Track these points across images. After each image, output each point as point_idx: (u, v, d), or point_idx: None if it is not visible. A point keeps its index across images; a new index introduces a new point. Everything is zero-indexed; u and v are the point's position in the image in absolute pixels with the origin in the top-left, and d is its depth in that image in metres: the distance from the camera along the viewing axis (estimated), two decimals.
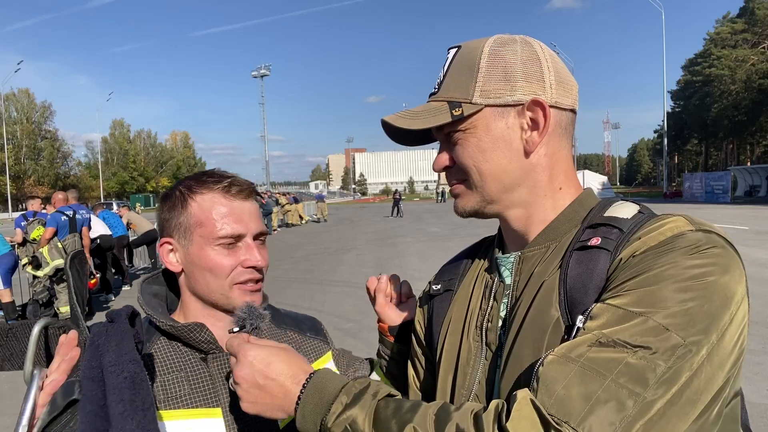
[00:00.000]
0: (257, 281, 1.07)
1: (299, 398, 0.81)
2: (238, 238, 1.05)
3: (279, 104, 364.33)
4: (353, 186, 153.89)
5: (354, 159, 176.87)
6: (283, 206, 25.76)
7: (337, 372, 1.17)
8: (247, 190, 1.09)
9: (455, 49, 0.91)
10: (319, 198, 33.27)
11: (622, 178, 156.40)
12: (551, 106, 0.86)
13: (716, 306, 0.68)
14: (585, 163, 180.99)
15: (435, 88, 0.92)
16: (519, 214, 0.91)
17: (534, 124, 0.86)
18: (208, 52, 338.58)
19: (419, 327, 1.12)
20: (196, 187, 1.06)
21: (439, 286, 1.07)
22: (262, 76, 76.51)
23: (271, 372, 0.84)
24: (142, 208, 47.90)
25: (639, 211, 0.84)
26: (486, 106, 0.86)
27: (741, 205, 28.92)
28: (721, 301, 0.68)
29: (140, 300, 1.09)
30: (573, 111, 0.91)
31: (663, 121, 51.43)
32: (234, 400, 0.99)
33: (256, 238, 1.08)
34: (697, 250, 0.71)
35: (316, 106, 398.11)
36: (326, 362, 1.25)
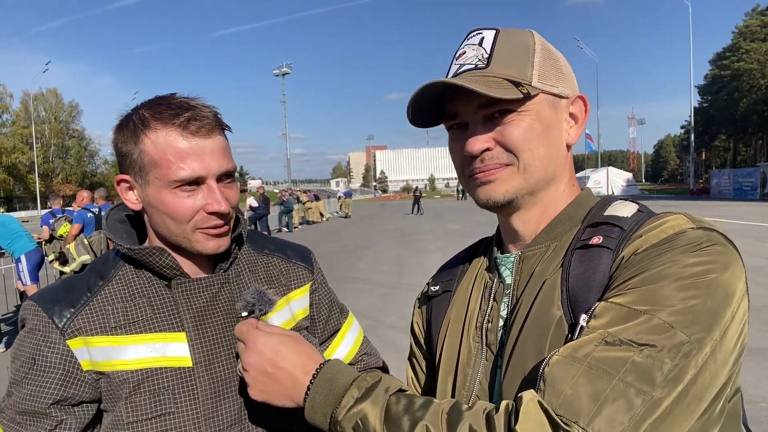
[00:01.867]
0: (222, 225, 0.99)
1: (308, 389, 0.81)
2: (198, 180, 0.95)
3: (300, 102, 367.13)
4: (374, 183, 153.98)
5: (375, 156, 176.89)
6: (304, 203, 25.92)
7: (308, 307, 1.19)
8: (208, 126, 0.95)
9: (493, 31, 0.87)
10: (347, 194, 34.30)
11: (647, 175, 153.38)
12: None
13: (718, 303, 0.68)
14: (609, 159, 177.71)
15: (478, 64, 0.85)
16: (536, 212, 0.90)
17: (574, 120, 0.89)
18: (230, 51, 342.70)
19: (417, 328, 1.12)
20: (152, 121, 0.94)
21: (437, 288, 1.06)
22: (283, 75, 76.88)
23: (280, 360, 0.84)
24: None
25: (638, 210, 0.84)
26: (542, 92, 0.85)
27: None
28: (723, 299, 0.69)
29: (104, 225, 1.06)
30: None
31: (690, 116, 50.34)
32: (199, 325, 1.01)
33: (219, 179, 0.98)
34: (698, 248, 0.72)
35: (337, 103, 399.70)
36: (302, 295, 1.19)
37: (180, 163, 0.93)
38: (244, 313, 0.96)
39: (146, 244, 1.08)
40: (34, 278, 7.43)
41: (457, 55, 0.89)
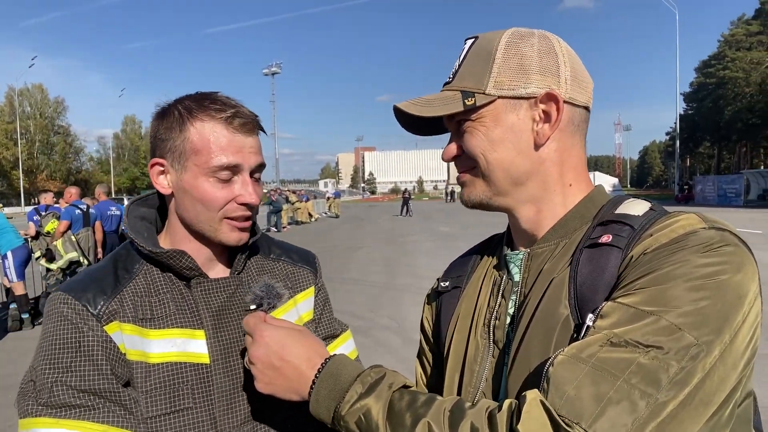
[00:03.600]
0: (248, 218, 1.05)
1: (314, 383, 0.82)
2: (235, 169, 1.01)
3: (290, 102, 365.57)
4: (362, 185, 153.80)
5: (364, 158, 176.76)
6: (293, 203, 25.85)
7: (313, 312, 1.21)
8: (251, 124, 1.03)
9: (472, 40, 0.91)
10: (336, 195, 34.87)
11: (633, 180, 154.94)
12: (565, 102, 0.85)
13: (729, 305, 0.66)
14: (596, 164, 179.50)
15: (450, 78, 0.91)
16: (529, 210, 0.90)
17: (546, 117, 0.86)
18: (220, 50, 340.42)
19: (427, 324, 1.12)
20: (197, 112, 1.00)
21: (447, 283, 1.06)
22: (273, 74, 76.55)
23: (286, 354, 0.85)
24: None
25: (650, 209, 0.83)
26: (499, 97, 0.85)
27: (754, 209, 28.53)
28: (734, 301, 0.67)
29: (125, 223, 1.08)
30: (587, 109, 0.90)
31: (675, 123, 50.96)
32: (217, 323, 1.03)
33: (252, 174, 1.04)
34: (709, 248, 0.70)
35: (327, 104, 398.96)
36: (307, 297, 1.22)
37: (220, 153, 0.99)
38: (253, 306, 0.97)
39: (164, 234, 1.11)
40: (20, 275, 7.34)
41: None
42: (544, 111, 0.85)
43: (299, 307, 1.19)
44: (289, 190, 31.10)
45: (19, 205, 57.63)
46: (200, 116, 1.00)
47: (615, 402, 0.62)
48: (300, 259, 1.26)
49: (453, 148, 0.92)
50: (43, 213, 7.96)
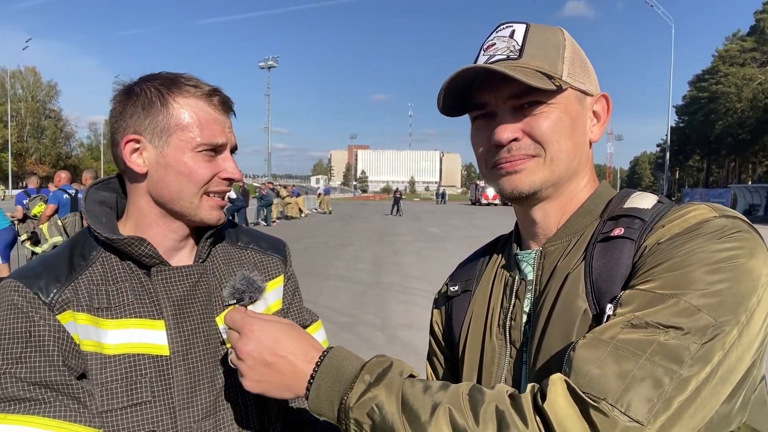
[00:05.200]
0: (224, 195, 1.06)
1: (312, 377, 0.78)
2: (221, 147, 1.02)
3: (285, 97, 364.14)
4: (354, 183, 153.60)
5: (356, 156, 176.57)
6: (283, 198, 25.78)
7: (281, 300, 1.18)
8: (228, 103, 1.05)
9: (523, 25, 0.88)
10: (326, 192, 35.02)
11: None
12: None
13: (745, 288, 0.68)
14: None
15: (510, 55, 0.86)
16: (562, 204, 0.91)
17: (597, 117, 0.91)
18: (215, 40, 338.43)
19: (437, 328, 1.11)
20: (176, 88, 1.00)
21: (456, 288, 1.05)
22: (269, 68, 76.10)
23: (280, 349, 0.80)
24: None
25: (659, 201, 0.85)
26: (571, 87, 0.86)
27: None
28: (750, 284, 0.69)
29: (81, 207, 1.05)
30: None
31: (666, 135, 51.38)
32: (178, 314, 0.99)
33: (232, 151, 1.06)
34: (723, 235, 0.72)
35: (322, 100, 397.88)
36: (276, 286, 1.19)
37: (207, 129, 0.99)
38: (232, 301, 0.92)
39: (124, 219, 1.07)
40: (5, 257, 7.28)
41: (486, 46, 0.90)
42: (595, 111, 0.90)
43: (267, 297, 1.15)
44: (280, 185, 31.06)
45: (7, 188, 56.92)
46: (181, 92, 0.99)
47: (639, 378, 0.63)
48: (269, 247, 1.23)
49: (513, 129, 0.85)
50: (33, 195, 7.90)
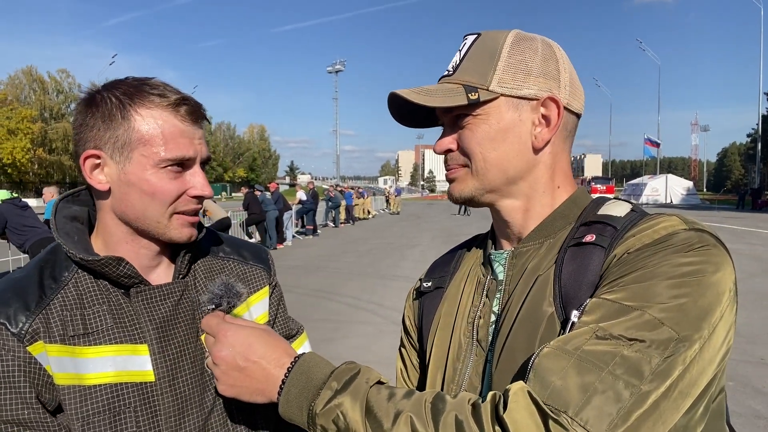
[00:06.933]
0: (196, 213, 0.97)
1: (283, 382, 0.79)
2: (188, 162, 0.93)
3: (352, 99, 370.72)
4: (422, 182, 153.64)
5: (423, 156, 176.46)
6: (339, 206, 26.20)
7: (268, 312, 1.14)
8: (198, 112, 0.94)
9: (474, 36, 0.91)
10: (398, 193, 36.48)
11: (709, 184, 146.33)
12: (563, 107, 0.87)
13: (708, 302, 0.69)
14: (669, 166, 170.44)
15: (449, 71, 0.91)
16: (516, 205, 0.91)
17: (545, 121, 0.87)
18: (287, 48, 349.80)
19: (409, 322, 1.12)
20: (139, 98, 0.90)
21: (429, 284, 1.06)
22: (336, 72, 77.58)
23: (252, 354, 0.82)
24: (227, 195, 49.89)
25: (632, 210, 0.85)
26: (502, 95, 0.86)
27: None
28: (713, 298, 0.70)
29: (52, 225, 0.95)
30: (578, 116, 0.92)
31: (758, 124, 47.71)
32: (162, 336, 0.94)
33: (203, 164, 0.97)
34: (690, 248, 0.73)
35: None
36: (261, 298, 1.13)
37: (172, 143, 0.90)
38: (211, 306, 0.91)
39: (95, 235, 1.00)
40: None
41: None
42: (543, 115, 0.87)
43: (252, 310, 1.10)
44: (347, 187, 31.66)
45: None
46: (144, 102, 0.90)
47: (600, 392, 0.63)
48: (252, 257, 1.15)
49: (448, 142, 0.91)
50: None
